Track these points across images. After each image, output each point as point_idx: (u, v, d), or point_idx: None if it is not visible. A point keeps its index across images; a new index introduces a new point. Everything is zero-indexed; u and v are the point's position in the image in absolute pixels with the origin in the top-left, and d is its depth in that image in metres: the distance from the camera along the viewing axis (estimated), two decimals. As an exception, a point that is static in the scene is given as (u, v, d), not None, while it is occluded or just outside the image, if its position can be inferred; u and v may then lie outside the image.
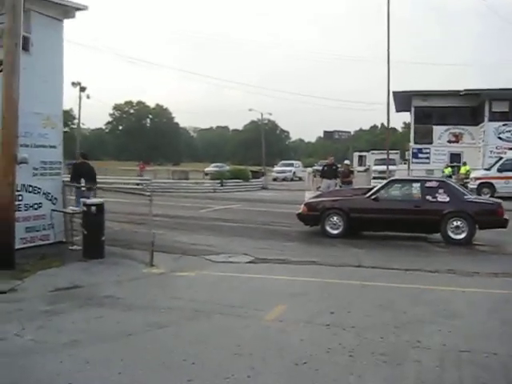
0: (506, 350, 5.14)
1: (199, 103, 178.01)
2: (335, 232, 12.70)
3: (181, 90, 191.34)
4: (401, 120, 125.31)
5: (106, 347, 5.13)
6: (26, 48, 9.37)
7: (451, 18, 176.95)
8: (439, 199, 12.25)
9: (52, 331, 5.60)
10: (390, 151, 51.68)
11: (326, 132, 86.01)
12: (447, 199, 12.20)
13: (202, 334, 5.58)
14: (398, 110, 43.58)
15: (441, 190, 12.35)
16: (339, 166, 20.38)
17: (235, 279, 8.38)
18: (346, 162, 22.37)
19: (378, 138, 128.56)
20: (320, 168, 48.10)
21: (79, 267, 8.88)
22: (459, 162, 35.98)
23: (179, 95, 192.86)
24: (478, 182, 26.30)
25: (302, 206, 13.57)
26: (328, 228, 12.79)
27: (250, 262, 9.80)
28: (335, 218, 12.75)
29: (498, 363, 4.80)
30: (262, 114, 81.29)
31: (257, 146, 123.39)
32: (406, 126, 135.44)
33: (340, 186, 18.72)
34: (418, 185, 12.79)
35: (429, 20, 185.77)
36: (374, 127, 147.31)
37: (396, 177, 16.30)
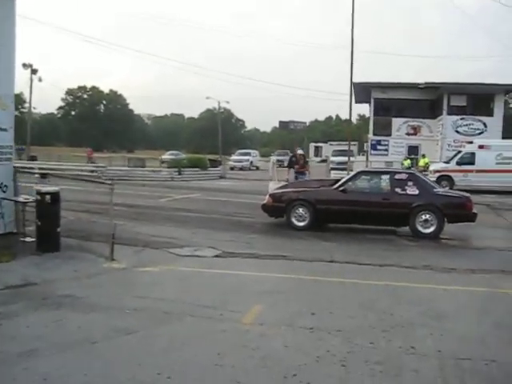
0: (505, 357, 4.79)
1: (154, 89, 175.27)
2: (301, 224, 12.30)
3: (136, 75, 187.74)
4: (355, 112, 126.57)
5: (67, 358, 4.50)
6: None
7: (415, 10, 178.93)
8: (408, 192, 11.96)
9: (3, 338, 4.92)
10: (347, 142, 52.27)
11: (281, 122, 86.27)
12: (416, 192, 11.93)
13: (175, 341, 5.02)
14: (357, 101, 43.64)
15: (410, 183, 12.06)
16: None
17: (203, 275, 7.82)
18: (300, 151, 21.95)
19: (333, 129, 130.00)
20: (280, 158, 48.13)
21: (32, 262, 8.12)
22: (417, 155, 36.41)
23: (134, 81, 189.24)
24: (437, 174, 26.49)
25: (267, 196, 13.09)
26: (294, 220, 12.38)
27: (216, 256, 9.25)
28: (301, 209, 12.34)
29: (501, 372, 4.44)
30: (219, 102, 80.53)
31: (212, 135, 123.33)
32: (361, 118, 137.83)
33: (295, 178, 18.38)
34: (387, 177, 12.47)
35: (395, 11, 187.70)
36: (329, 118, 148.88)
37: (364, 168, 15.95)
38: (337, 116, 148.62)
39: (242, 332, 5.32)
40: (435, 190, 12.45)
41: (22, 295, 6.37)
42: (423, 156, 31.77)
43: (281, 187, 14.12)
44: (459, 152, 27.52)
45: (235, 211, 15.15)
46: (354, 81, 30.83)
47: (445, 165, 27.40)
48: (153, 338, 5.09)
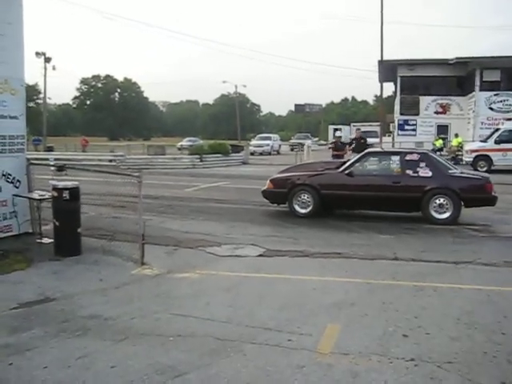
0: None
1: (168, 75, 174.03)
2: (304, 211, 11.25)
3: (150, 62, 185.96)
4: (372, 93, 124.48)
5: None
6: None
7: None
8: (421, 174, 10.68)
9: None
10: (371, 123, 50.64)
11: (297, 105, 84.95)
12: (429, 174, 10.65)
13: (238, 385, 3.78)
14: (381, 80, 41.87)
15: (422, 164, 10.76)
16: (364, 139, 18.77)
17: (253, 282, 6.55)
18: (338, 133, 20.79)
19: (350, 111, 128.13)
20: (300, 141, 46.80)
21: (50, 269, 6.94)
22: (447, 134, 34.72)
23: (148, 68, 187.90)
24: (474, 154, 24.96)
25: (268, 181, 11.88)
26: (296, 207, 11.32)
27: (261, 256, 8.02)
28: (305, 195, 11.21)
29: None
30: (236, 86, 79.74)
31: (228, 120, 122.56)
32: (378, 99, 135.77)
33: None
34: (398, 158, 11.16)
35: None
36: (345, 100, 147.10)
37: (372, 149, 14.65)
38: (353, 97, 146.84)
39: (324, 368, 4.05)
40: (450, 171, 11.06)
41: (38, 316, 5.17)
42: (456, 135, 30.07)
43: (283, 171, 12.85)
44: (497, 130, 25.81)
45: (270, 200, 13.83)
46: (376, 58, 29.22)
47: (482, 144, 25.74)
48: (208, 381, 3.84)
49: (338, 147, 18.60)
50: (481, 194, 10.52)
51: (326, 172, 11.79)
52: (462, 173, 11.37)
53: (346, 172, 11.17)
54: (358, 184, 10.97)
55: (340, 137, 20.75)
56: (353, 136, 21.22)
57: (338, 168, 11.59)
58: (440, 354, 4.27)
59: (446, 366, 4.06)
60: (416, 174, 10.74)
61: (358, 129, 22.62)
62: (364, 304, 5.63)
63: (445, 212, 10.49)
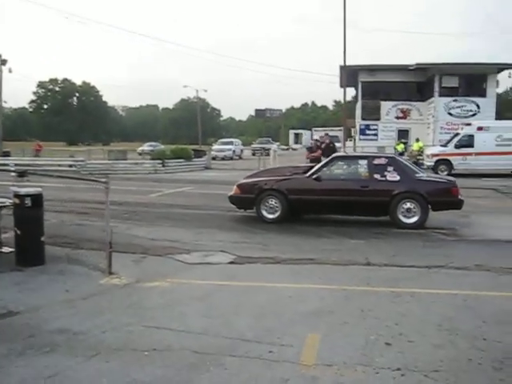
0: None
1: (127, 80, 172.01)
2: (272, 216, 11.12)
3: (108, 66, 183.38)
4: (331, 98, 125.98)
5: None
6: None
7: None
8: (388, 178, 10.70)
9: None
10: (333, 128, 51.09)
11: (257, 110, 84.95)
12: (397, 178, 10.68)
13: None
14: (342, 86, 42.22)
15: (390, 168, 10.79)
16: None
17: (226, 291, 6.35)
18: (316, 137, 21.00)
19: (309, 116, 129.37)
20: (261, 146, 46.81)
21: (12, 281, 6.58)
22: (407, 139, 35.24)
23: (107, 72, 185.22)
24: (435, 158, 25.39)
25: (235, 187, 11.72)
26: (264, 212, 11.17)
27: (232, 263, 7.84)
28: (272, 200, 11.08)
29: None
30: (197, 91, 79.13)
31: (188, 125, 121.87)
32: (337, 104, 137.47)
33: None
34: (365, 162, 11.13)
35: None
36: (305, 105, 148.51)
37: (340, 153, 14.71)
38: (313, 103, 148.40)
39: (309, 380, 3.90)
40: (417, 175, 11.15)
41: (2, 332, 4.85)
42: (417, 140, 30.52)
43: (249, 176, 12.73)
44: (457, 134, 26.34)
45: (236, 206, 13.65)
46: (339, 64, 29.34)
47: (442, 148, 26.22)
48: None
49: (313, 151, 18.69)
50: (448, 197, 10.59)
51: (294, 177, 11.68)
52: (428, 177, 11.45)
53: (314, 177, 11.08)
54: (326, 188, 10.90)
55: (318, 140, 20.74)
56: (315, 140, 21.42)
57: (306, 173, 11.50)
58: (425, 363, 4.17)
59: (433, 374, 3.97)
60: (384, 178, 10.74)
61: (327, 133, 22.74)
62: (342, 312, 5.51)
63: (413, 216, 10.52)
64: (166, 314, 5.38)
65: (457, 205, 10.66)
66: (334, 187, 10.92)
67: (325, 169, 11.28)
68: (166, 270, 7.28)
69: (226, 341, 4.63)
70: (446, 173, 23.76)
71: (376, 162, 10.99)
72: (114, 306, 5.71)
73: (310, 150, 18.94)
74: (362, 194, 10.69)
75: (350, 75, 37.70)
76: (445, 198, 10.60)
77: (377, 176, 10.77)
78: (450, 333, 4.88)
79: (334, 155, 12.39)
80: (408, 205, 10.50)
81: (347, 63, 35.49)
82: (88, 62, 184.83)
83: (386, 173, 10.75)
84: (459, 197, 10.60)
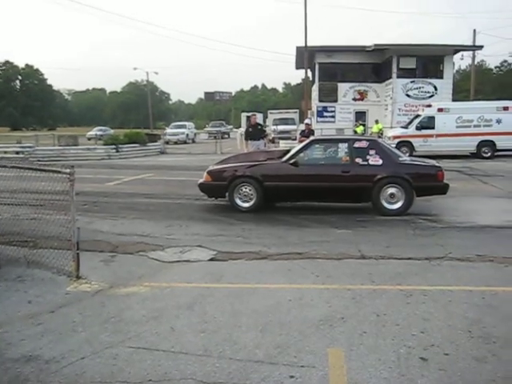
0: None
1: (73, 63, 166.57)
2: (246, 205, 10.43)
3: (54, 49, 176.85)
4: (281, 81, 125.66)
5: None
6: None
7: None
8: (371, 162, 10.13)
9: None
10: (288, 110, 50.50)
11: (206, 93, 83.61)
12: (380, 162, 10.12)
13: None
14: (298, 67, 41.61)
15: (372, 151, 10.21)
16: (264, 125, 18.19)
17: (217, 296, 5.52)
18: (307, 121, 20.35)
19: (259, 99, 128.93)
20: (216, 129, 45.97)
21: (-40, 291, 5.60)
22: (365, 120, 35.00)
23: (52, 55, 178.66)
24: (397, 140, 25.07)
25: (205, 173, 10.92)
26: (238, 200, 10.47)
27: (214, 259, 7.06)
28: (247, 187, 10.39)
29: None
30: (147, 74, 76.98)
31: (137, 109, 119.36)
32: (287, 86, 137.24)
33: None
34: (346, 145, 10.46)
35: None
36: (255, 88, 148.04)
37: (318, 136, 14.10)
38: (262, 85, 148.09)
39: (350, 417, 3.18)
40: (401, 158, 10.62)
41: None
42: (376, 122, 30.29)
43: (220, 162, 11.94)
44: (417, 116, 26.10)
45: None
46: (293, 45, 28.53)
47: (403, 130, 25.95)
48: None
49: (306, 135, 17.93)
50: (434, 182, 10.09)
51: (269, 162, 10.91)
52: (412, 160, 10.91)
53: (291, 162, 10.35)
54: (304, 174, 10.24)
55: (309, 124, 19.98)
56: (305, 123, 20.78)
57: (281, 157, 10.76)
58: (472, 381, 3.53)
59: (493, 401, 3.32)
60: (366, 163, 10.13)
61: (310, 118, 22.17)
62: (356, 318, 4.81)
63: (396, 202, 10.00)
64: (154, 330, 4.54)
65: (442, 190, 10.18)
66: (313, 173, 10.26)
67: (302, 154, 10.57)
68: (140, 271, 6.44)
69: (235, 364, 3.86)
70: (407, 155, 23.50)
71: (357, 145, 10.34)
72: (88, 320, 4.82)
73: (303, 133, 18.20)
74: (342, 180, 10.04)
75: (303, 57, 37.09)
76: (430, 182, 10.10)
77: (358, 160, 10.14)
78: (485, 341, 4.27)
79: (311, 138, 11.69)
80: (392, 190, 9.94)
81: (305, 44, 34.86)
82: (35, 45, 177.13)
83: (368, 156, 10.13)
84: (444, 181, 10.11)
